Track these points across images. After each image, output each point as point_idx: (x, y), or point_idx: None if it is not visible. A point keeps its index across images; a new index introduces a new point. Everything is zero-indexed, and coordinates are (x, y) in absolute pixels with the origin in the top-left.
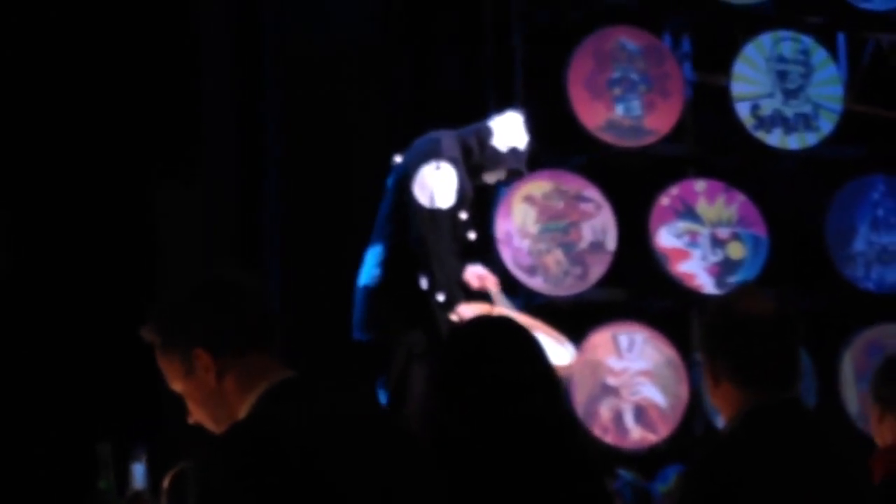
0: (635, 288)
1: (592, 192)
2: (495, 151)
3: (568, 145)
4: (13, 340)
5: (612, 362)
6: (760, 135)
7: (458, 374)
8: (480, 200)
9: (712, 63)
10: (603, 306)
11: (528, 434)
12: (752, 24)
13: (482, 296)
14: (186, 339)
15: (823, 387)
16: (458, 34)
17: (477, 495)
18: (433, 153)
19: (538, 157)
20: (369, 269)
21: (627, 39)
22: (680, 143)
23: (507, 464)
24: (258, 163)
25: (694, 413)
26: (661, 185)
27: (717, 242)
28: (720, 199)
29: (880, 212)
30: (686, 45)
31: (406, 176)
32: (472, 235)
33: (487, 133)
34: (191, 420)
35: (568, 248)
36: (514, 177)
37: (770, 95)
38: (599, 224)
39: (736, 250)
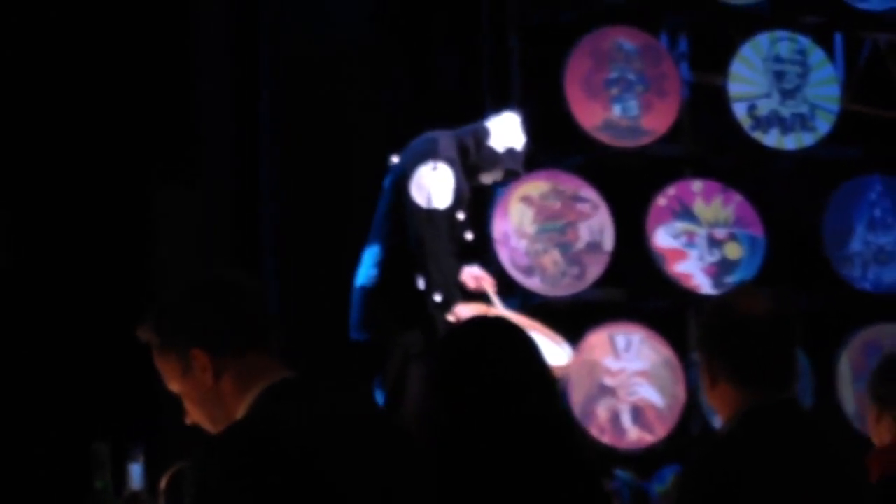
0: (632, 288)
1: (589, 193)
2: (492, 152)
3: (565, 145)
4: (12, 340)
5: (609, 363)
6: (757, 135)
7: (455, 375)
8: (477, 201)
9: (709, 63)
10: (600, 306)
11: (525, 434)
12: (749, 24)
13: (479, 296)
14: (184, 338)
15: (820, 387)
16: (456, 34)
17: (474, 495)
18: (430, 153)
19: (535, 158)
20: (366, 270)
21: (624, 39)
22: (677, 143)
23: (504, 464)
24: (256, 163)
25: (691, 413)
26: (658, 186)
27: (714, 243)
28: (717, 200)
29: (877, 212)
30: (683, 45)
31: (403, 176)
32: (469, 236)
33: (484, 133)
34: (188, 420)
35: (565, 248)
36: (511, 177)
37: (767, 95)
38: (596, 224)
39: (733, 250)
